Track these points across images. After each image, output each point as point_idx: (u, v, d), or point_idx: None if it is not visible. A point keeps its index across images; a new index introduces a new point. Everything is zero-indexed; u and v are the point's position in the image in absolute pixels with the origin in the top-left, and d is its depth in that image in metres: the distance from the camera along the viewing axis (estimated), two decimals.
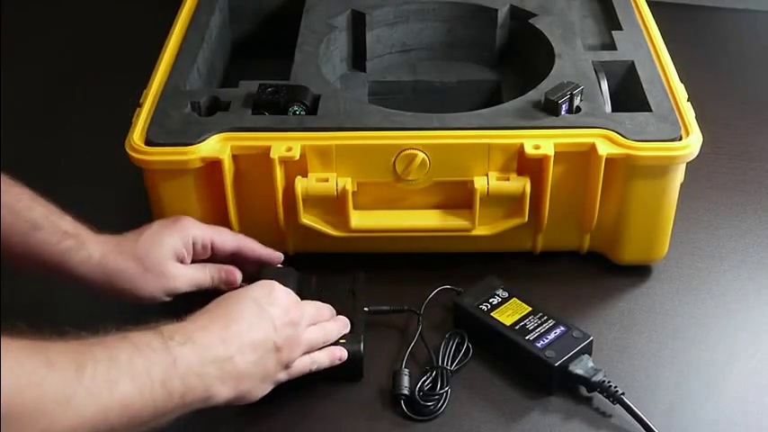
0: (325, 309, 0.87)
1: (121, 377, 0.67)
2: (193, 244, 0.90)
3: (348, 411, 0.85)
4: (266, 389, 0.80)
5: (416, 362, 0.89)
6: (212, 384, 0.74)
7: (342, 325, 0.87)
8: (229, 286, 0.90)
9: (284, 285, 0.89)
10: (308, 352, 0.83)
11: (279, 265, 0.94)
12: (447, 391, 0.85)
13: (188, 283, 0.89)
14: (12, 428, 0.61)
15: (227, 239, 0.92)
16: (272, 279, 0.90)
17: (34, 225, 0.85)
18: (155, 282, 0.87)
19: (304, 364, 0.82)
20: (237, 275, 0.91)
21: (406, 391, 0.85)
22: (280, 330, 0.79)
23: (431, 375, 0.86)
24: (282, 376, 0.81)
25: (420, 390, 0.85)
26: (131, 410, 0.68)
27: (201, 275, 0.90)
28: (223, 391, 0.75)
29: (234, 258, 0.92)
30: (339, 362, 0.85)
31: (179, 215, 0.92)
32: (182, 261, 0.89)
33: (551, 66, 1.02)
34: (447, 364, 0.87)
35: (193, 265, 0.90)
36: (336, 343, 0.86)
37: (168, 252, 0.88)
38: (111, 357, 0.67)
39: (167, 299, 0.89)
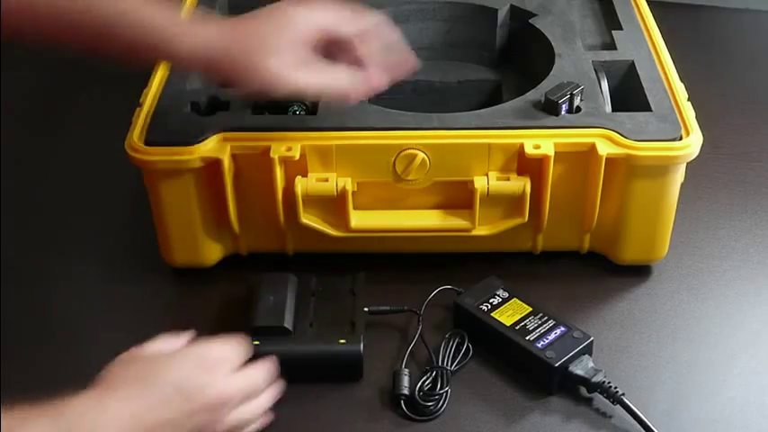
0: (257, 382, 0.80)
1: None
2: (307, 31, 0.84)
3: (348, 411, 0.85)
4: None
5: (416, 362, 0.89)
6: None
7: (271, 395, 0.81)
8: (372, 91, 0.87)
9: (283, 292, 0.89)
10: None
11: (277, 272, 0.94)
12: (447, 391, 0.85)
13: (307, 83, 0.85)
14: None
15: (342, 21, 0.87)
16: (269, 286, 0.90)
17: (136, 10, 0.82)
18: (263, 73, 0.83)
19: None
20: (379, 79, 0.87)
21: (405, 392, 0.85)
22: (193, 415, 0.73)
23: (431, 375, 0.86)
24: None
25: (420, 390, 0.85)
26: None
27: (325, 77, 0.86)
28: None
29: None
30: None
31: (285, 7, 0.86)
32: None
33: (551, 66, 1.02)
34: (447, 365, 0.87)
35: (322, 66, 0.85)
36: (336, 343, 0.86)
37: (281, 47, 0.84)
38: None
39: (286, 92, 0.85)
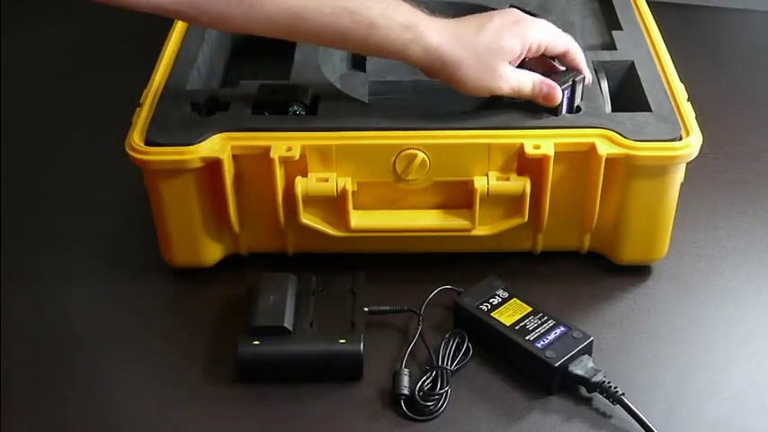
0: None
1: None
2: (529, 48, 0.92)
3: (348, 411, 0.85)
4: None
5: (416, 362, 0.89)
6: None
7: None
8: (548, 103, 0.92)
9: (283, 292, 0.90)
10: None
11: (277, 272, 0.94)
12: (447, 391, 0.85)
13: (512, 87, 0.91)
14: None
15: (559, 42, 0.94)
16: (269, 286, 0.90)
17: (372, 24, 0.88)
18: (484, 78, 0.90)
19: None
20: (557, 94, 0.92)
21: (405, 391, 0.85)
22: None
23: (431, 375, 0.86)
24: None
25: (420, 390, 0.85)
26: None
27: (526, 82, 0.92)
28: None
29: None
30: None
31: (519, 14, 0.94)
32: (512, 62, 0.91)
33: None
34: (447, 364, 0.87)
35: (521, 70, 0.92)
36: (336, 342, 0.86)
37: (506, 53, 0.90)
38: None
39: (487, 96, 0.92)
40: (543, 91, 0.92)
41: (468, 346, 0.89)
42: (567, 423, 0.84)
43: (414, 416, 0.84)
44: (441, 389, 0.85)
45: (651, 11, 1.13)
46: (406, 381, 0.86)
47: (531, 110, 0.95)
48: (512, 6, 1.11)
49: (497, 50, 0.90)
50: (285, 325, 0.87)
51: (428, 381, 0.86)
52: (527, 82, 0.92)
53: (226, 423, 0.85)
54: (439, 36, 0.89)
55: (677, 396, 0.87)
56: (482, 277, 0.94)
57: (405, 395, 0.85)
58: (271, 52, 1.11)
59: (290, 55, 1.05)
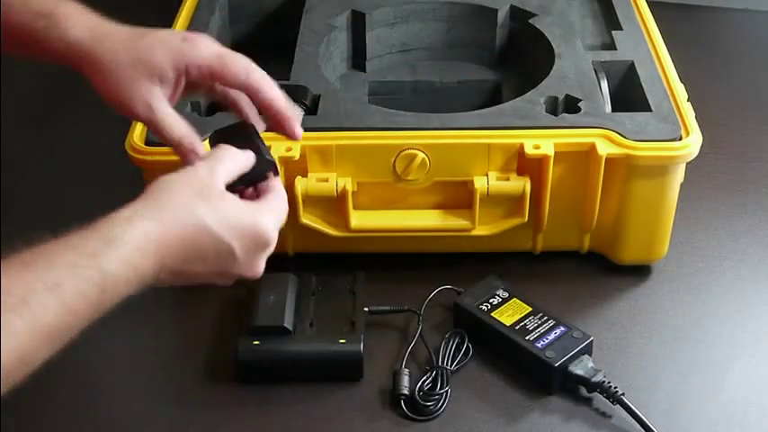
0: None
1: (42, 347, 0.61)
2: (188, 71, 0.77)
3: (348, 411, 0.85)
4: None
5: (416, 362, 0.89)
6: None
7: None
8: (183, 161, 0.76)
9: (283, 292, 0.89)
10: None
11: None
12: (447, 391, 0.85)
13: (149, 116, 0.77)
14: None
15: (235, 74, 0.78)
16: (269, 286, 0.90)
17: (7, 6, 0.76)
18: (126, 91, 0.76)
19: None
20: (198, 150, 0.76)
21: (406, 391, 0.85)
22: (225, 277, 0.71)
23: (431, 375, 0.86)
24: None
25: (420, 390, 0.85)
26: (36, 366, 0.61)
27: (166, 123, 0.76)
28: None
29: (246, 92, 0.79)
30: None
31: (196, 32, 0.80)
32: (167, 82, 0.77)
33: (551, 66, 1.02)
34: (447, 364, 0.87)
35: (171, 111, 0.77)
36: (336, 342, 0.86)
37: (155, 71, 0.76)
38: (35, 322, 0.60)
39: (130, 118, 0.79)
40: (184, 145, 0.76)
41: (468, 346, 0.89)
42: (567, 423, 0.84)
43: (414, 416, 0.84)
44: (441, 389, 0.85)
45: (651, 11, 1.13)
46: (406, 381, 0.86)
47: (531, 110, 0.95)
48: (512, 6, 1.12)
49: (148, 68, 0.76)
50: (285, 325, 0.87)
51: (428, 381, 0.86)
52: (167, 122, 0.76)
53: (226, 423, 0.85)
54: (87, 26, 0.77)
55: (677, 396, 0.87)
56: (482, 277, 0.94)
57: (405, 395, 0.85)
58: (271, 52, 1.11)
59: (290, 55, 1.05)
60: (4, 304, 0.59)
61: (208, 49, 0.78)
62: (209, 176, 0.70)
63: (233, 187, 0.72)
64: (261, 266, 0.74)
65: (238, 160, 0.74)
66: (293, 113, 0.80)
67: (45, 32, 0.77)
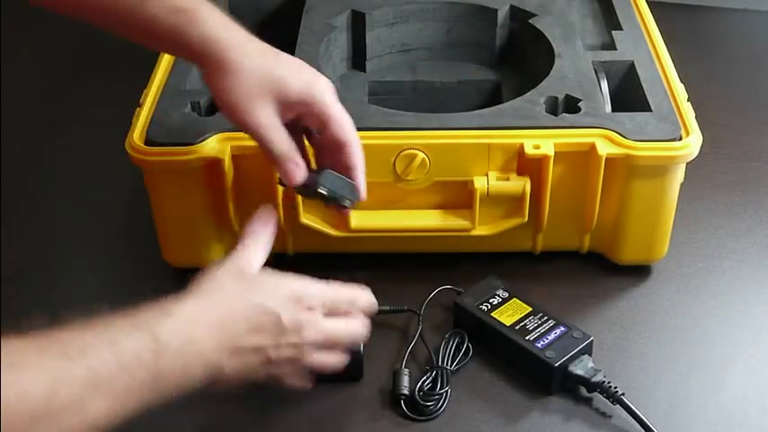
0: (344, 302, 0.80)
1: (97, 398, 0.64)
2: (308, 107, 0.80)
3: (348, 411, 0.85)
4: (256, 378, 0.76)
5: (416, 362, 0.89)
6: (197, 380, 0.70)
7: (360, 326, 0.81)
8: (281, 174, 0.81)
9: None
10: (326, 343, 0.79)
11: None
12: (447, 391, 0.85)
13: (261, 133, 0.80)
14: None
15: (343, 135, 0.81)
16: None
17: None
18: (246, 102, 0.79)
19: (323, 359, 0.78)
20: (294, 177, 0.81)
21: (406, 391, 0.85)
22: (279, 349, 0.75)
23: (431, 375, 0.86)
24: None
25: (420, 390, 0.85)
26: (101, 424, 0.64)
27: (274, 141, 0.80)
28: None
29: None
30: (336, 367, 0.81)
31: (325, 77, 0.82)
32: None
33: (551, 66, 1.02)
34: (447, 364, 0.87)
35: (284, 136, 0.80)
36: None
37: (281, 96, 0.80)
38: (91, 372, 0.64)
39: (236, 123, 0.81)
40: (286, 162, 0.81)
41: (468, 345, 0.89)
42: (567, 423, 0.84)
43: (414, 416, 0.84)
44: (441, 389, 0.85)
45: (651, 11, 1.13)
46: (406, 381, 0.86)
47: (531, 110, 0.95)
48: (512, 6, 1.12)
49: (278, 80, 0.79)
50: None
51: (428, 381, 0.86)
52: (279, 136, 0.80)
53: (226, 423, 0.85)
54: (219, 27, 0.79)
55: (677, 396, 0.87)
56: (482, 277, 0.94)
57: (405, 395, 0.85)
58: None
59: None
60: (65, 354, 0.63)
61: (332, 99, 0.82)
62: (247, 265, 0.78)
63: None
64: (322, 328, 0.78)
65: (267, 246, 0.82)
66: (360, 182, 0.84)
67: (183, 28, 0.79)
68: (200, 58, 0.80)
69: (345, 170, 0.83)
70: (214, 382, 0.72)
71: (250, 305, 0.74)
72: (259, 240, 0.81)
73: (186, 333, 0.70)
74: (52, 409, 0.61)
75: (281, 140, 0.80)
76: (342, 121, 0.82)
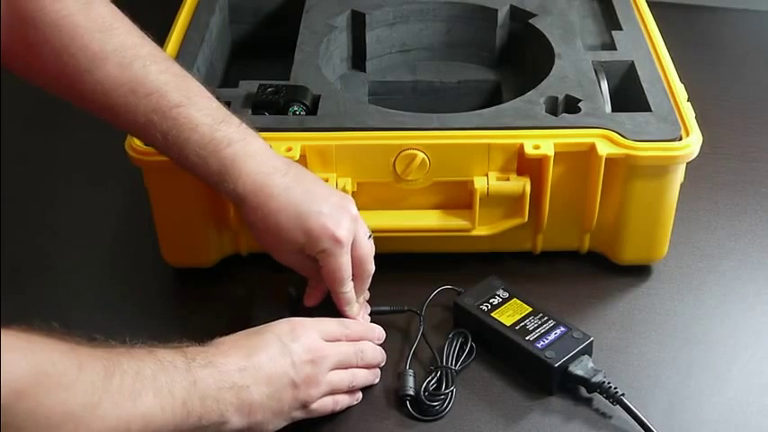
0: (354, 355, 0.84)
1: (145, 390, 0.68)
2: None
3: (351, 411, 0.85)
4: (279, 424, 0.79)
5: (419, 362, 0.89)
6: (227, 410, 0.74)
7: (372, 375, 0.86)
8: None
9: (282, 292, 0.90)
10: (331, 393, 0.82)
11: None
12: (452, 391, 0.85)
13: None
14: (37, 429, 0.61)
15: (362, 278, 0.89)
16: (269, 286, 0.91)
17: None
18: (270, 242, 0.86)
19: (325, 405, 0.82)
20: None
21: (411, 392, 0.85)
22: (298, 368, 0.79)
23: (435, 375, 0.86)
24: (299, 414, 0.80)
25: (425, 390, 0.85)
26: (152, 425, 0.68)
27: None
28: (236, 420, 0.75)
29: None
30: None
31: (351, 206, 0.87)
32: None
33: (551, 66, 1.02)
34: (451, 364, 0.87)
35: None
36: None
37: (305, 243, 0.85)
38: (137, 369, 0.69)
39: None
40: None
41: (471, 345, 0.89)
42: (567, 423, 0.84)
43: (419, 416, 0.84)
44: (446, 389, 0.85)
45: (651, 11, 1.13)
46: (411, 381, 0.86)
47: (531, 110, 0.95)
48: (512, 6, 1.12)
49: (295, 237, 0.84)
50: None
51: (433, 381, 0.86)
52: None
53: None
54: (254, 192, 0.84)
55: (678, 396, 0.87)
56: (482, 277, 0.94)
57: (410, 396, 0.85)
58: (271, 52, 1.11)
59: (290, 55, 1.05)
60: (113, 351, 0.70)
61: (361, 242, 0.87)
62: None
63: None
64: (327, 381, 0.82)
65: None
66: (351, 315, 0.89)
67: (217, 186, 0.85)
68: (236, 204, 0.86)
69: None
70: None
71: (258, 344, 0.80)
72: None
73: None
74: (111, 389, 0.66)
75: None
76: (331, 278, 0.86)
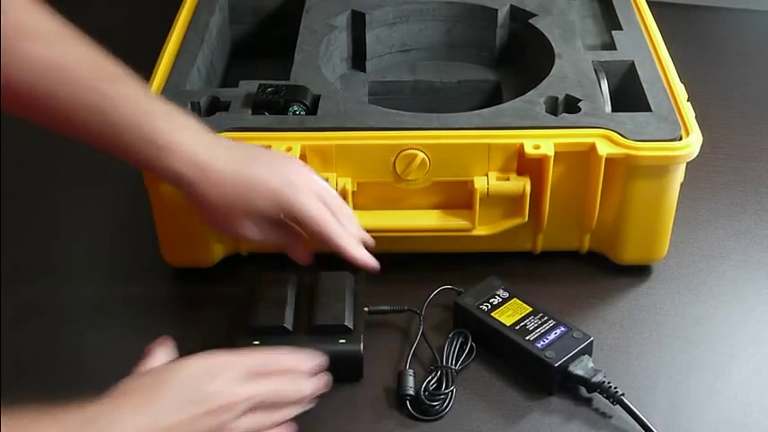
0: (275, 393, 0.78)
1: None
2: (285, 214, 0.85)
3: (350, 411, 0.85)
4: None
5: (419, 362, 0.89)
6: None
7: (295, 410, 0.80)
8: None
9: (283, 292, 0.89)
10: None
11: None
12: (452, 391, 0.85)
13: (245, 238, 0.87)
14: None
15: (328, 235, 0.85)
16: (269, 286, 0.90)
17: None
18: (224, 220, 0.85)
19: None
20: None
21: (411, 392, 0.85)
22: (200, 421, 0.73)
23: (435, 375, 0.86)
24: None
25: (425, 390, 0.85)
26: None
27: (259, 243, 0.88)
28: None
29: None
30: None
31: (302, 167, 0.87)
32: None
33: (551, 66, 1.02)
34: (451, 364, 0.87)
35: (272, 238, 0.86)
36: (335, 342, 0.86)
37: (254, 215, 0.84)
38: None
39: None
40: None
41: (471, 345, 0.89)
42: (567, 423, 0.84)
43: (420, 416, 0.84)
44: (446, 389, 0.85)
45: (651, 11, 1.13)
46: (411, 381, 0.86)
47: (531, 110, 0.95)
48: (512, 6, 1.12)
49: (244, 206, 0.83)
50: (285, 325, 0.87)
51: (433, 381, 0.86)
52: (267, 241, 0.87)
53: None
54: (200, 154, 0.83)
55: (678, 396, 0.87)
56: (482, 277, 0.94)
57: (410, 395, 0.85)
58: (271, 52, 1.11)
59: (290, 55, 1.05)
60: None
61: (309, 202, 0.84)
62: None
63: None
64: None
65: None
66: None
67: (156, 161, 0.82)
68: (175, 186, 0.84)
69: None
70: None
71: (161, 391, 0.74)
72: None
73: None
74: None
75: (269, 243, 0.87)
76: (313, 221, 0.84)
